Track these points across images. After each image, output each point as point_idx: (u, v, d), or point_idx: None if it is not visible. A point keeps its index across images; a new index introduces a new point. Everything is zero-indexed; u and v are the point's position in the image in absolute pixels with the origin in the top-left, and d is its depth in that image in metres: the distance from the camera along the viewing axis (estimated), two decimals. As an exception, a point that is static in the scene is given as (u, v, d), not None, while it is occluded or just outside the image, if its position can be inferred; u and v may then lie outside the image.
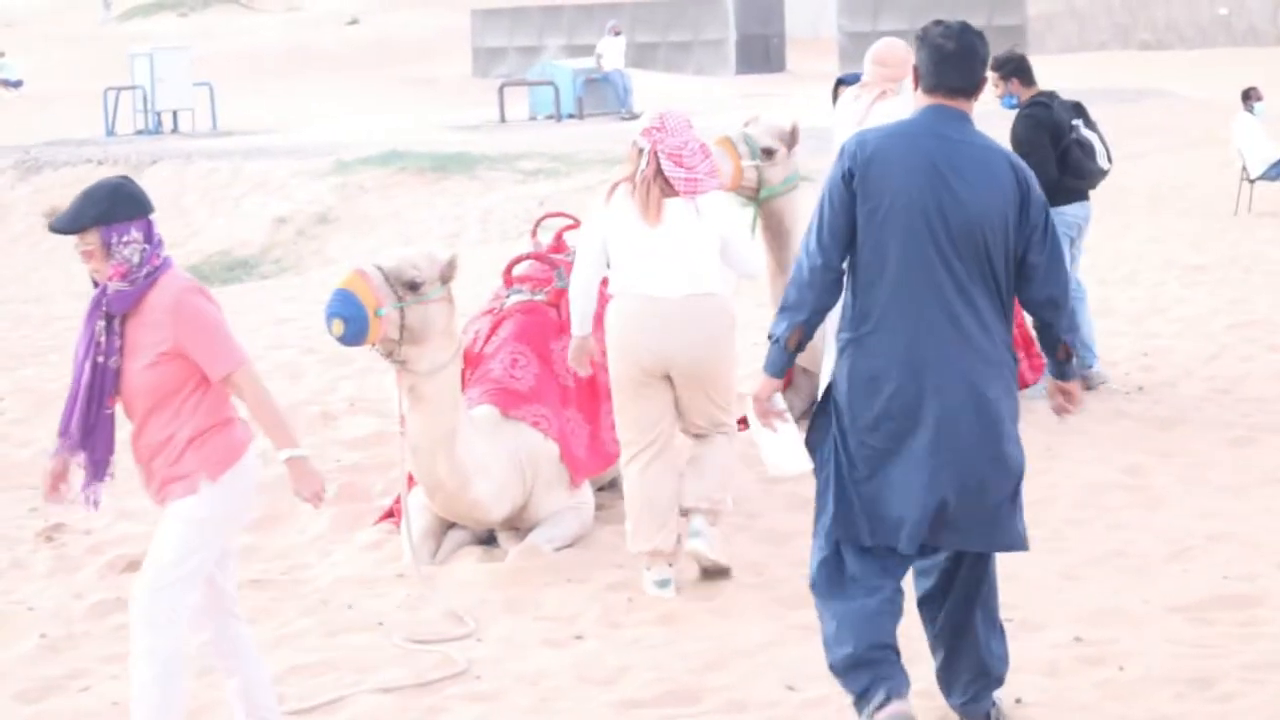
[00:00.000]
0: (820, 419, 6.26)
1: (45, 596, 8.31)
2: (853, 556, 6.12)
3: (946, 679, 6.35)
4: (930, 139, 6.05)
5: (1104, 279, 16.66)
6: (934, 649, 6.38)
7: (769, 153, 10.48)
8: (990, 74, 11.41)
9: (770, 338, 6.17)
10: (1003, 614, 7.42)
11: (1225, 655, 6.97)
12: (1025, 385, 11.63)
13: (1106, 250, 18.43)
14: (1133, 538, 8.69)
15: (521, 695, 6.86)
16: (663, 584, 8.09)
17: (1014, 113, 11.72)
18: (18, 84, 52.04)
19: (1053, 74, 39.49)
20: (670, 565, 8.14)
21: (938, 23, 6.20)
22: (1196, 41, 50.03)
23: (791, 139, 10.57)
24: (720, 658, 7.21)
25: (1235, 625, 7.35)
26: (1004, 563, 8.19)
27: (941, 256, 5.97)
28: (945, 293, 5.97)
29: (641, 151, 8.04)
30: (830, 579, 6.16)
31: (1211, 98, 33.36)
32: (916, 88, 6.19)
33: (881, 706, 6.01)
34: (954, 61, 6.09)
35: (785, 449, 6.55)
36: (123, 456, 10.86)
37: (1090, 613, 7.49)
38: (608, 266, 8.19)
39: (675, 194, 7.99)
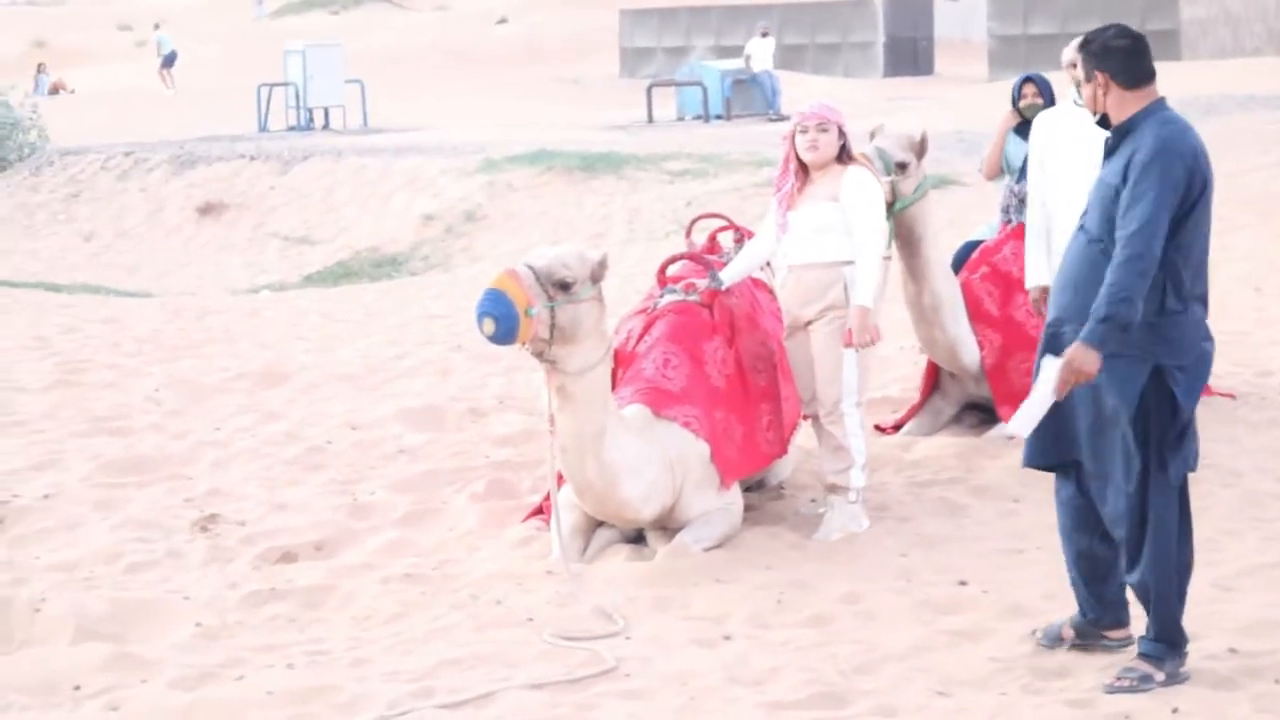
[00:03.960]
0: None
1: (200, 586, 8.42)
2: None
3: None
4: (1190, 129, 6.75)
5: (1260, 288, 16.44)
6: None
7: (902, 166, 10.37)
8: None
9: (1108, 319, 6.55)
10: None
11: (1385, 670, 6.86)
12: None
13: (1261, 258, 18.17)
14: (1290, 550, 8.57)
15: (671, 694, 6.86)
16: None
17: None
18: (172, 58, 52.81)
19: (1206, 80, 39.09)
20: None
21: (1107, 27, 6.79)
22: (1353, 48, 49.22)
23: (921, 148, 10.47)
24: (869, 661, 7.18)
25: (1395, 640, 7.23)
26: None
27: None
28: None
29: None
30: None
31: (1368, 105, 32.82)
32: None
33: None
34: (1147, 53, 6.76)
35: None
36: (284, 449, 11.05)
37: (1246, 625, 7.38)
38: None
39: None
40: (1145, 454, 6.70)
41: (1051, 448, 6.95)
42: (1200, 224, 6.66)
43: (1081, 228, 6.82)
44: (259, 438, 11.13)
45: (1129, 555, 6.84)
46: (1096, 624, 7.09)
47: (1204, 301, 6.77)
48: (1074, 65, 9.40)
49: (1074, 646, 7.14)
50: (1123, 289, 6.48)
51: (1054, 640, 7.20)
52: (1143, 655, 6.84)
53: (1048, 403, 6.65)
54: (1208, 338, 6.78)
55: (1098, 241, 6.69)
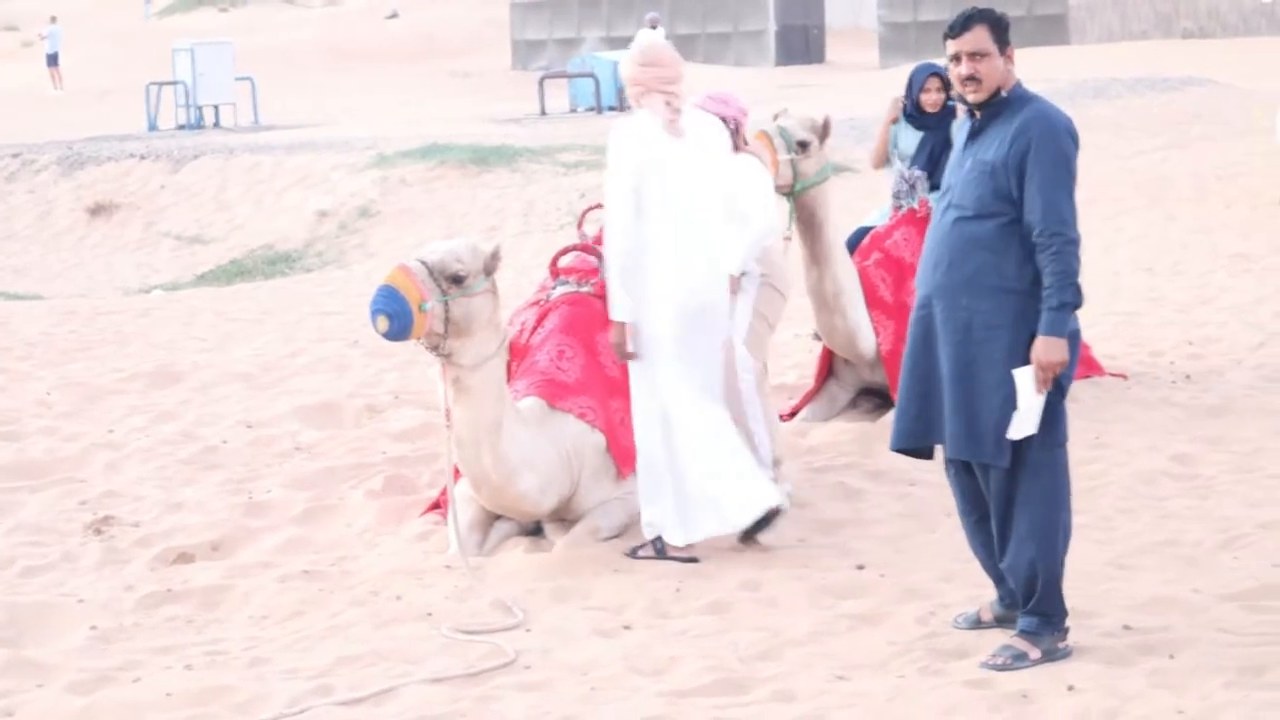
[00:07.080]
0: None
1: (95, 589, 8.34)
2: None
3: None
4: None
5: (1151, 268, 16.63)
6: None
7: (803, 145, 10.43)
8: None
9: (1063, 306, 6.61)
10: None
11: (1277, 643, 6.93)
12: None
13: (1152, 240, 18.38)
14: (1183, 526, 8.66)
15: (571, 685, 6.86)
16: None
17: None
18: (54, 58, 52.34)
19: (1095, 63, 39.36)
20: None
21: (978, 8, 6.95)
22: (1239, 30, 49.82)
23: (824, 131, 10.52)
24: (769, 648, 7.20)
25: (1287, 614, 7.31)
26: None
27: None
28: None
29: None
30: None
31: (1254, 86, 33.21)
32: None
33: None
34: None
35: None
36: (178, 449, 10.94)
37: (1141, 602, 7.46)
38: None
39: None
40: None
41: (914, 430, 7.00)
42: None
43: (951, 205, 6.84)
44: (153, 438, 11.04)
45: (1000, 532, 6.90)
46: (1014, 607, 7.08)
47: None
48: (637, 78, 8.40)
49: (988, 629, 7.16)
50: (1071, 276, 6.62)
51: (973, 624, 7.22)
52: (1020, 633, 6.89)
53: (1036, 404, 6.65)
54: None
55: (976, 219, 6.73)
